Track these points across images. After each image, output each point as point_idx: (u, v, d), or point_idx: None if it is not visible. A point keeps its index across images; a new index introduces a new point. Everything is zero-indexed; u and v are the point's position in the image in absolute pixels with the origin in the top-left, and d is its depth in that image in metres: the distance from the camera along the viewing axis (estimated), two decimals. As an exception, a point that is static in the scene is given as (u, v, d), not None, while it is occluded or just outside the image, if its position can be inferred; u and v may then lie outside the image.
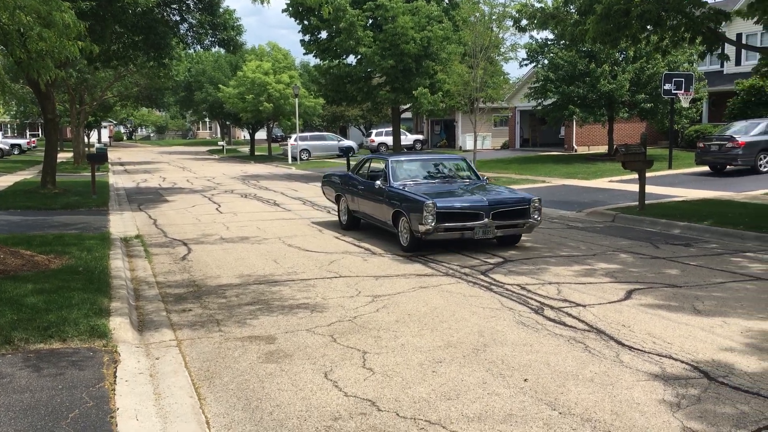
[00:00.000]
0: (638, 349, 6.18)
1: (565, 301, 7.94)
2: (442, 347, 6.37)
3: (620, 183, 21.72)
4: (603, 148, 35.01)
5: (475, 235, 10.96)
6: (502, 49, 26.69)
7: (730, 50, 30.66)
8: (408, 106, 32.67)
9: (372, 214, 12.75)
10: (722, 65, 35.15)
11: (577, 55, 29.08)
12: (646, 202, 15.45)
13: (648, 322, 7.00)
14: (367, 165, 13.92)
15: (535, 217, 11.39)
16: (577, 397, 5.12)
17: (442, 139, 53.03)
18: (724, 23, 15.33)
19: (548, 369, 5.73)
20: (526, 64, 33.54)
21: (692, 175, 22.94)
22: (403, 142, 43.03)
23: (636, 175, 15.74)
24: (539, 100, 31.64)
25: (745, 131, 22.44)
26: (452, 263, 10.28)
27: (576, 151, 37.59)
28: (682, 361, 5.84)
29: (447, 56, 29.03)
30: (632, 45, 15.05)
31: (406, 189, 11.83)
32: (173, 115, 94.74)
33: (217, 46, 23.58)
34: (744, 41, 31.23)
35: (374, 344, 6.49)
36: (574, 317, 7.26)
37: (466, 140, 44.06)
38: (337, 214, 14.90)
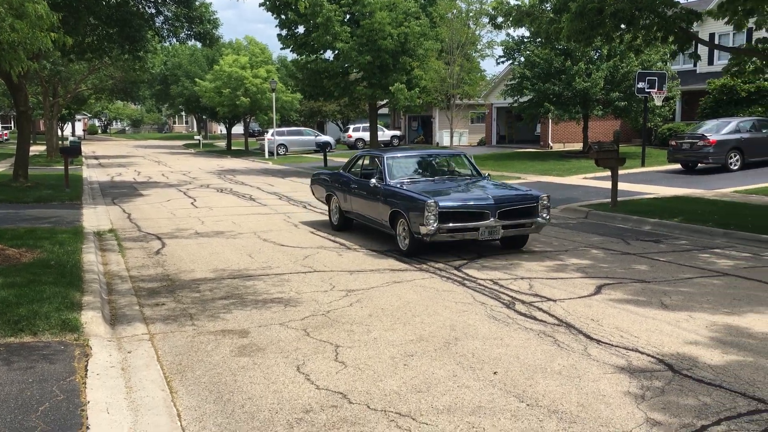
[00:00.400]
0: (606, 343, 6.30)
1: (536, 295, 8.05)
2: (414, 341, 6.44)
3: (594, 180, 21.97)
4: (578, 146, 35.37)
5: (479, 236, 10.25)
6: (479, 46, 26.83)
7: (702, 50, 31.14)
8: (385, 101, 32.71)
9: (367, 215, 11.97)
10: (695, 64, 35.62)
11: (552, 52, 29.32)
12: (619, 199, 15.67)
13: (616, 317, 7.13)
14: (360, 162, 13.08)
15: (544, 216, 10.71)
16: (545, 390, 5.22)
17: (419, 135, 53.14)
18: (696, 23, 15.60)
19: (518, 362, 5.83)
20: (502, 62, 33.84)
21: (664, 173, 23.26)
22: (380, 138, 43.07)
23: (609, 173, 15.95)
24: (515, 97, 31.87)
25: (716, 130, 22.81)
26: (426, 258, 10.35)
27: (551, 148, 37.90)
28: (648, 354, 5.96)
29: (424, 52, 29.10)
30: (606, 43, 15.25)
31: (403, 187, 11.07)
32: (149, 108, 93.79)
33: (193, 40, 23.47)
34: (717, 41, 31.72)
35: (347, 338, 6.54)
36: (544, 311, 7.37)
37: (443, 136, 44.22)
38: (320, 210, 14.92)
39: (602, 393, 5.14)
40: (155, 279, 9.21)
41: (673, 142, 23.78)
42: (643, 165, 25.51)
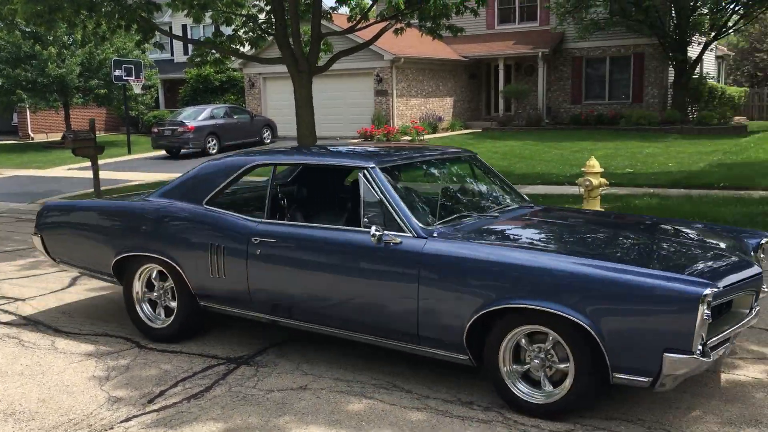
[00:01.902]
0: (76, 333, 6.21)
1: (3, 297, 7.46)
2: None
3: (79, 170, 21.21)
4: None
5: (724, 353, 4.48)
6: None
7: (178, 41, 32.61)
8: None
9: (354, 317, 4.95)
10: (172, 54, 37.21)
11: (21, 35, 27.10)
12: (103, 188, 15.46)
13: (104, 306, 7.05)
14: (255, 181, 6.63)
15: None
16: (3, 394, 4.90)
17: None
18: (168, 15, 16.24)
19: (-26, 372, 5.34)
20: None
21: (151, 159, 23.83)
22: None
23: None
24: (-19, 84, 28.57)
25: (194, 117, 24.32)
26: None
27: (33, 139, 35.19)
28: (118, 336, 6.09)
29: None
30: (70, 28, 14.75)
31: (518, 245, 4.75)
32: None
33: None
34: (190, 33, 33.65)
35: None
36: (11, 313, 6.89)
37: None
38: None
39: (66, 383, 5.07)
40: None
41: (156, 129, 24.52)
42: (129, 153, 25.66)
